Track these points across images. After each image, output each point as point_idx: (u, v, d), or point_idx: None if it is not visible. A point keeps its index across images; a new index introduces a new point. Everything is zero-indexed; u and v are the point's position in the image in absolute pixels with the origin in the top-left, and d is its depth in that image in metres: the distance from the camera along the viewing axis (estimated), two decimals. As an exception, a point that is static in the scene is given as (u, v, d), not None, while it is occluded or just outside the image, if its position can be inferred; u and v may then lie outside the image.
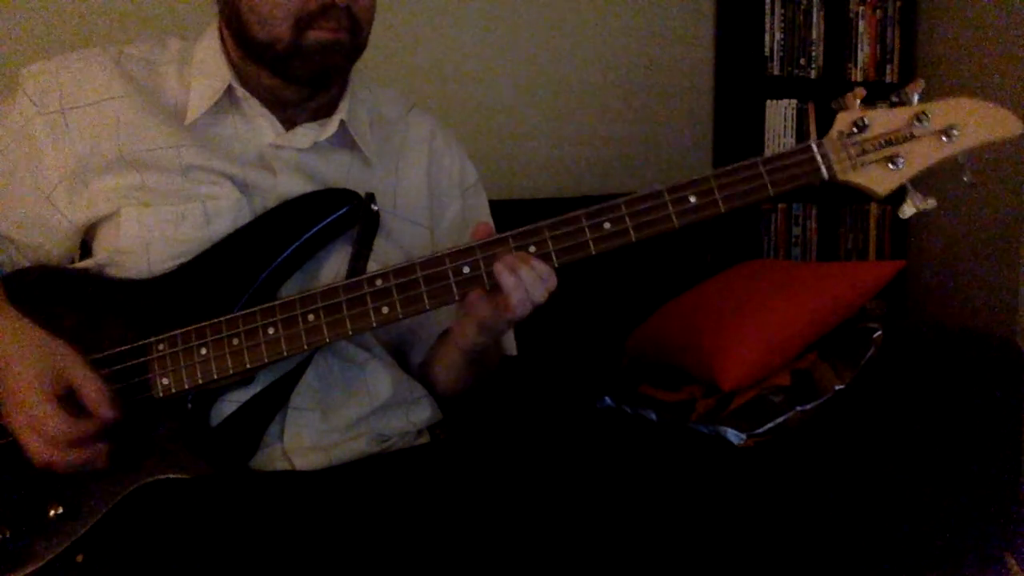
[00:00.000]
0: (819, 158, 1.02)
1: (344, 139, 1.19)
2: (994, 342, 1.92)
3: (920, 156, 1.01)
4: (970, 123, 1.00)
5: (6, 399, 0.99)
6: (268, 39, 1.09)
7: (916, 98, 1.02)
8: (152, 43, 1.19)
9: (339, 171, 1.19)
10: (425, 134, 1.30)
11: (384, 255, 1.16)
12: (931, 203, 1.02)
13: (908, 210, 1.02)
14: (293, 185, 1.13)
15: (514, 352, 1.34)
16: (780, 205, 2.63)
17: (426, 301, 1.04)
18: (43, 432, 0.97)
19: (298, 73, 1.11)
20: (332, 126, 1.17)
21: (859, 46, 2.67)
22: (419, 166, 1.27)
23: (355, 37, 1.12)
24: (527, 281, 1.01)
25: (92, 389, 0.99)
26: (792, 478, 1.62)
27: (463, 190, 1.32)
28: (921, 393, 1.76)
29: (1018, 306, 2.41)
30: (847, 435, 1.71)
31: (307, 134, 1.16)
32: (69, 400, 0.99)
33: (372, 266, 1.12)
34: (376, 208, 1.13)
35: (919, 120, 1.00)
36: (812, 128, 2.59)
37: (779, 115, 2.58)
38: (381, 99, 1.28)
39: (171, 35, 1.21)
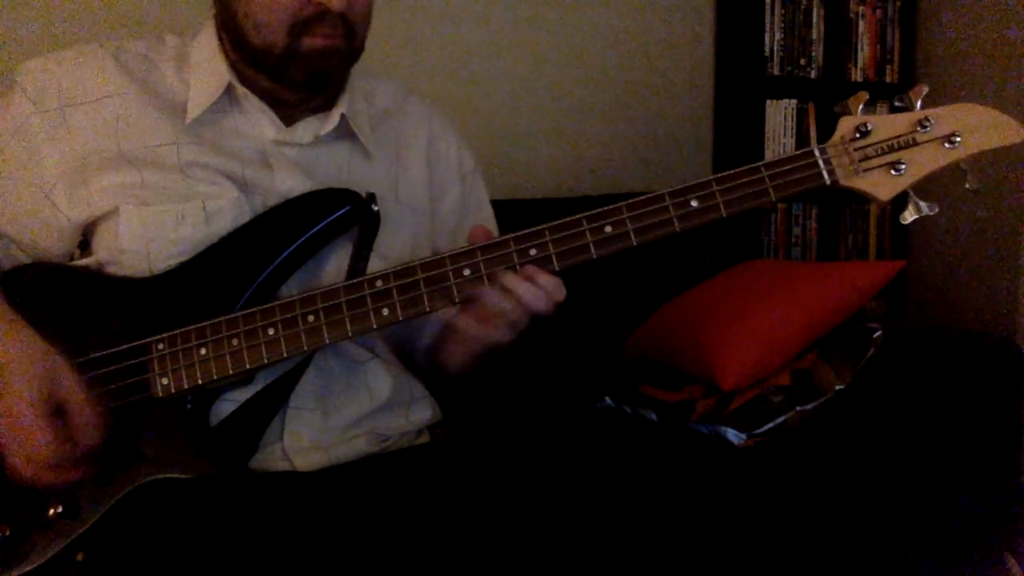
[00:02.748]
0: (821, 163, 1.02)
1: (344, 131, 1.19)
2: (994, 342, 1.92)
3: (922, 162, 1.01)
4: (973, 129, 1.00)
5: None
6: (264, 44, 1.09)
7: (919, 103, 1.02)
8: (149, 39, 1.19)
9: (339, 165, 1.19)
10: (423, 120, 1.30)
11: (389, 246, 1.16)
12: (933, 209, 1.02)
13: (909, 216, 1.02)
14: (291, 182, 1.13)
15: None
16: (780, 205, 2.62)
17: (426, 303, 1.03)
18: (31, 452, 0.95)
19: (294, 78, 1.11)
20: (333, 120, 1.17)
21: (859, 46, 2.66)
22: (419, 152, 1.27)
23: (351, 42, 1.12)
24: (526, 298, 1.03)
25: (83, 416, 0.98)
26: (792, 478, 1.62)
27: (462, 175, 1.32)
28: (921, 393, 1.76)
29: (1018, 306, 2.41)
30: (847, 435, 1.70)
31: (308, 129, 1.16)
32: (57, 417, 0.97)
33: (376, 260, 1.12)
34: (376, 208, 1.12)
35: (922, 126, 1.00)
36: (812, 128, 2.59)
37: (779, 115, 2.57)
38: (378, 89, 1.28)
39: (167, 32, 1.21)
